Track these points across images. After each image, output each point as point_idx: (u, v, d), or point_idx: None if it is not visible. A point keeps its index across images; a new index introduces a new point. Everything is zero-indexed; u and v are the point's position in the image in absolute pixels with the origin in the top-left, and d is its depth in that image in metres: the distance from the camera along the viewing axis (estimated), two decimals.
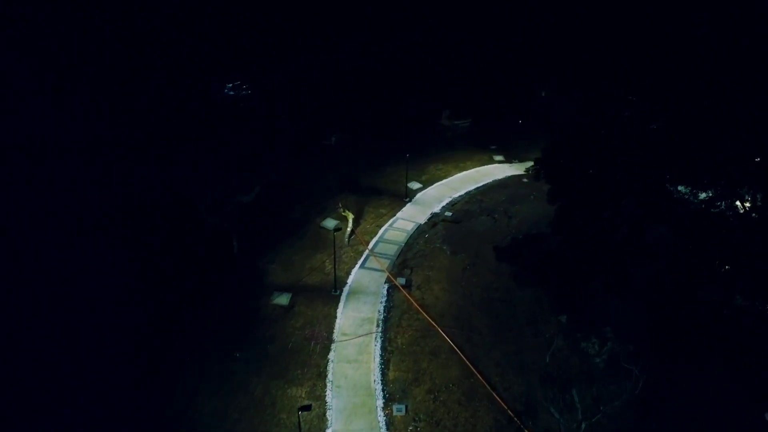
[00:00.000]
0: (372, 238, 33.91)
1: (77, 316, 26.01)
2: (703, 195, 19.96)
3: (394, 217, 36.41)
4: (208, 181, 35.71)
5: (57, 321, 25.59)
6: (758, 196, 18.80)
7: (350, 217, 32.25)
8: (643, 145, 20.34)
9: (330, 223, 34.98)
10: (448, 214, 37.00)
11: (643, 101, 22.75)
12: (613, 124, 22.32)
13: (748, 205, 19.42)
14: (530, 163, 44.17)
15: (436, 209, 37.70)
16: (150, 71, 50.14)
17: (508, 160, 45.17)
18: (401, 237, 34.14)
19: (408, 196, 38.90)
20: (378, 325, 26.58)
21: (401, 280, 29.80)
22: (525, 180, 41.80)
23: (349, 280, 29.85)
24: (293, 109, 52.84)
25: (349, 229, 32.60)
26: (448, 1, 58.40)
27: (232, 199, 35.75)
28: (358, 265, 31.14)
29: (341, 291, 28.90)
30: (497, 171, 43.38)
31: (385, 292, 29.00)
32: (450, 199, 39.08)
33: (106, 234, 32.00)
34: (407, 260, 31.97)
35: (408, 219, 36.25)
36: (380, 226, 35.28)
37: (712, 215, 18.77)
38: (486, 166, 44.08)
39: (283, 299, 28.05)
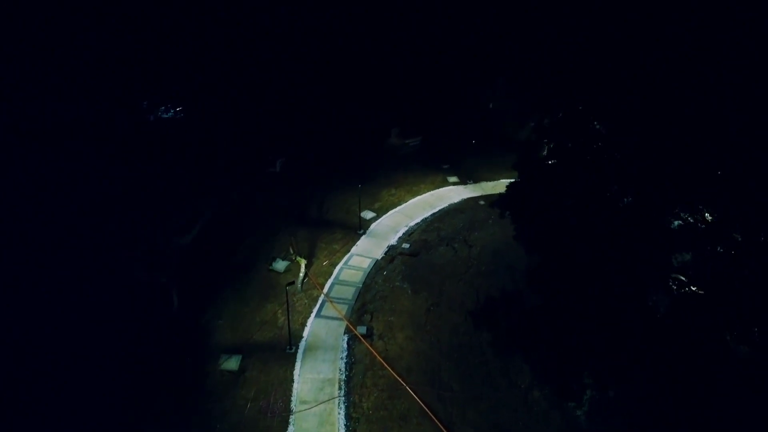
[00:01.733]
0: (327, 280, 31.39)
1: None
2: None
3: (349, 253, 34.03)
4: (136, 224, 31.95)
5: None
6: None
7: (302, 263, 29.60)
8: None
9: (280, 264, 32.21)
10: (406, 246, 34.97)
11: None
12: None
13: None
14: (486, 184, 43.23)
15: (393, 241, 35.61)
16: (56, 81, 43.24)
17: (463, 181, 43.69)
18: (358, 276, 31.80)
19: (362, 227, 36.62)
20: (340, 388, 24.13)
21: (362, 329, 27.47)
22: (481, 203, 40.42)
23: (305, 333, 27.23)
24: (233, 131, 49.36)
25: (302, 274, 29.91)
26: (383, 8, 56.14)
27: (169, 242, 32.40)
28: (313, 314, 28.55)
29: (297, 348, 26.25)
30: (452, 194, 41.78)
31: (345, 345, 26.58)
32: (406, 228, 37.09)
33: None
34: (366, 304, 29.68)
35: (364, 254, 33.96)
36: (335, 265, 32.83)
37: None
38: (440, 189, 42.41)
39: (232, 363, 25.09)
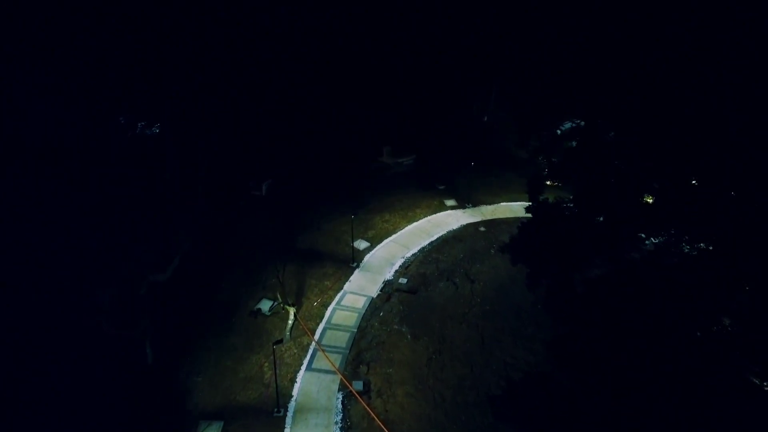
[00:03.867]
0: (318, 324, 28.64)
1: None
2: None
3: (342, 291, 31.32)
4: (102, 264, 28.84)
5: None
6: None
7: (291, 311, 26.80)
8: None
9: (266, 305, 29.40)
10: (403, 281, 32.35)
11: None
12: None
13: None
14: (485, 208, 40.75)
15: (389, 275, 32.96)
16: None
17: (461, 204, 41.17)
18: (352, 319, 29.10)
19: (355, 259, 33.91)
20: None
21: (358, 385, 24.77)
22: (482, 229, 37.99)
23: (295, 391, 24.45)
24: (216, 151, 46.24)
25: (290, 322, 27.11)
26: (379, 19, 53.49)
27: (143, 280, 29.41)
28: (303, 367, 25.79)
29: (286, 409, 23.45)
30: (450, 219, 39.24)
31: (339, 406, 23.85)
32: (402, 260, 34.46)
33: None
34: (362, 352, 26.99)
35: (358, 292, 31.27)
36: (326, 305, 30.10)
37: None
38: (437, 215, 39.84)
39: None
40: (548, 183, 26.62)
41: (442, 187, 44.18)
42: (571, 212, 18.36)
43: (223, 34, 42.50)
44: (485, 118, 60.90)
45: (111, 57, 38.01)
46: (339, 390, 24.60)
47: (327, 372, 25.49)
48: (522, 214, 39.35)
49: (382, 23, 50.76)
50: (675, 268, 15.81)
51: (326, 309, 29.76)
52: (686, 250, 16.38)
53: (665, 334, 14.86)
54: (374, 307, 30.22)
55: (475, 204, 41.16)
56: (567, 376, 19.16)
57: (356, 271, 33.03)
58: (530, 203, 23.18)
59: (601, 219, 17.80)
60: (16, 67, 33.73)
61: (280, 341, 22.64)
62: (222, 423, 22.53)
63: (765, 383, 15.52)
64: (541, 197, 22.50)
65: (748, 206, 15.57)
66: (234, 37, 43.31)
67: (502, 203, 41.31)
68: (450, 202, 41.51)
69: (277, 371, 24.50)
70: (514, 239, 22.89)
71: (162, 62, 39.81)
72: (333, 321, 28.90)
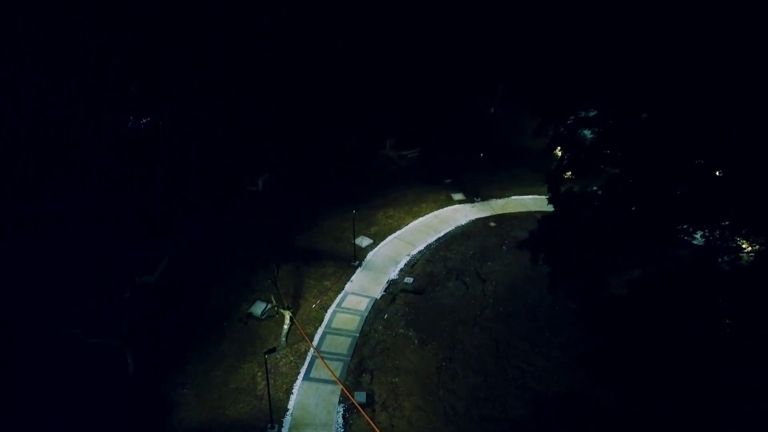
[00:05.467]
0: (317, 328, 26.29)
1: None
2: None
3: (343, 292, 28.98)
4: (85, 267, 26.57)
5: None
6: None
7: (287, 315, 24.40)
8: None
9: (259, 308, 27.10)
10: (409, 280, 29.96)
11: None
12: None
13: None
14: (495, 202, 38.32)
15: (393, 275, 30.59)
16: None
17: (469, 198, 38.70)
18: (354, 323, 26.74)
19: (357, 257, 31.54)
20: None
21: (360, 397, 22.41)
22: (492, 224, 35.53)
23: (291, 404, 22.11)
24: (210, 143, 43.80)
25: (286, 327, 24.75)
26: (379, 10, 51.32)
27: (131, 282, 27.26)
28: (300, 377, 23.43)
29: (280, 425, 21.11)
30: (458, 215, 36.79)
31: (340, 421, 21.50)
32: (408, 258, 32.08)
33: None
34: (365, 359, 24.64)
35: (360, 293, 28.91)
36: (326, 308, 27.76)
37: None
38: (444, 209, 37.39)
39: None
40: (566, 176, 24.72)
41: (448, 181, 41.71)
42: (603, 202, 15.91)
43: (222, 34, 40.31)
44: (492, 110, 58.47)
45: (110, 57, 36.12)
46: (340, 402, 22.26)
47: (326, 382, 23.14)
48: (535, 208, 37.13)
49: (381, 23, 48.85)
50: (732, 265, 13.40)
51: (326, 312, 27.43)
52: (743, 246, 13.96)
53: (736, 347, 12.43)
54: (378, 309, 27.87)
55: (485, 198, 38.69)
56: (606, 396, 16.64)
57: (358, 271, 30.68)
58: (549, 195, 20.85)
59: (641, 209, 15.36)
60: (16, 66, 31.87)
61: (273, 350, 20.23)
62: None
63: None
64: (563, 188, 20.21)
65: None
66: (234, 36, 41.14)
67: (513, 197, 38.83)
68: (458, 196, 39.05)
69: (272, 382, 22.22)
70: (534, 235, 20.44)
71: (161, 62, 37.66)
72: (333, 325, 26.55)
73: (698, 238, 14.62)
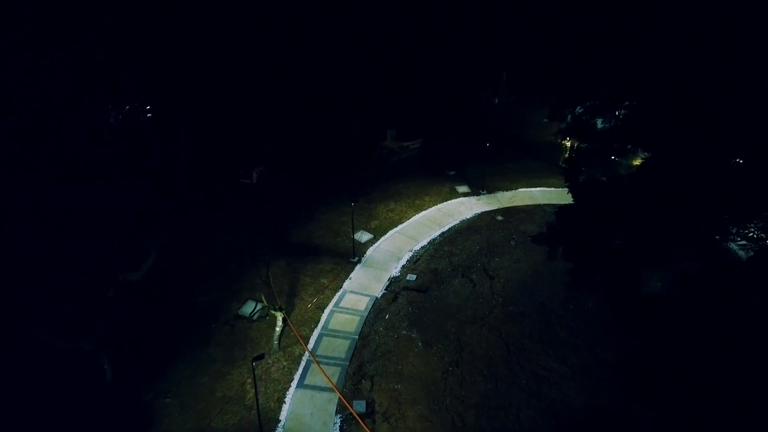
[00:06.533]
0: (312, 330, 24.30)
1: None
2: None
3: (341, 290, 26.99)
4: (60, 263, 24.49)
5: None
6: None
7: (279, 316, 22.38)
8: None
9: (249, 308, 25.13)
10: (411, 277, 27.98)
11: None
12: None
13: None
14: (502, 195, 36.34)
15: (395, 271, 28.61)
16: None
17: (474, 191, 36.69)
18: (353, 324, 24.76)
19: (356, 253, 29.55)
20: None
21: (359, 406, 20.44)
22: (499, 218, 33.51)
23: (283, 415, 20.12)
24: (201, 133, 41.63)
25: (278, 329, 22.73)
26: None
27: (113, 280, 25.32)
28: (294, 384, 21.45)
29: None
30: (463, 208, 34.78)
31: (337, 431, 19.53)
32: (410, 254, 30.09)
33: None
34: (364, 364, 22.65)
35: (359, 291, 26.92)
36: (323, 308, 25.76)
37: None
38: (448, 202, 35.37)
39: None
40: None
41: (452, 173, 39.73)
42: (637, 192, 13.89)
43: (216, 22, 38.36)
44: (496, 101, 56.53)
45: (104, 52, 34.37)
46: (337, 412, 20.29)
47: (322, 389, 21.16)
48: (544, 201, 35.13)
49: (380, 11, 47.03)
50: None
51: (322, 312, 25.44)
52: None
53: None
54: (378, 308, 25.89)
55: (491, 190, 36.68)
56: (639, 409, 14.61)
57: (357, 267, 28.69)
58: (567, 184, 18.89)
59: (678, 196, 13.34)
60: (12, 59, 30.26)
61: (262, 356, 18.20)
62: None
63: None
64: (581, 178, 18.25)
65: None
66: (228, 24, 39.20)
67: (521, 189, 36.84)
68: (462, 189, 37.03)
69: (263, 390, 20.29)
70: (551, 227, 18.47)
71: (151, 51, 35.72)
72: (330, 326, 24.57)
73: (752, 229, 12.66)
